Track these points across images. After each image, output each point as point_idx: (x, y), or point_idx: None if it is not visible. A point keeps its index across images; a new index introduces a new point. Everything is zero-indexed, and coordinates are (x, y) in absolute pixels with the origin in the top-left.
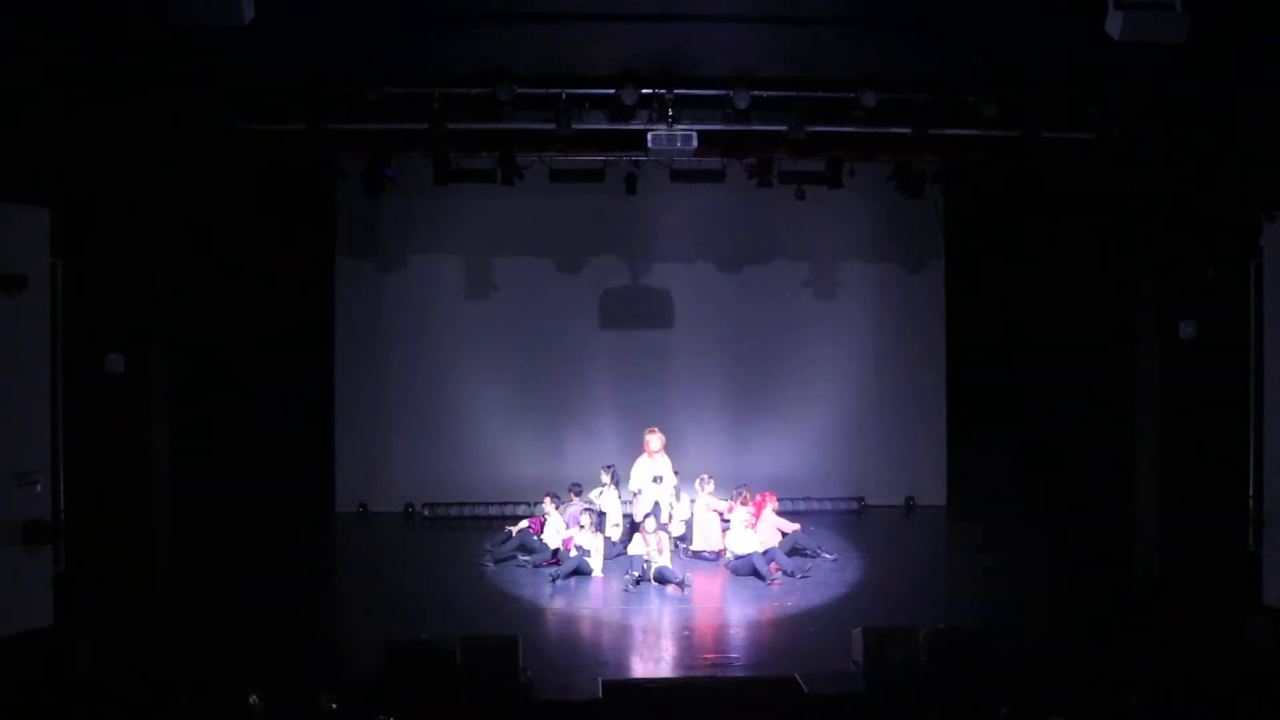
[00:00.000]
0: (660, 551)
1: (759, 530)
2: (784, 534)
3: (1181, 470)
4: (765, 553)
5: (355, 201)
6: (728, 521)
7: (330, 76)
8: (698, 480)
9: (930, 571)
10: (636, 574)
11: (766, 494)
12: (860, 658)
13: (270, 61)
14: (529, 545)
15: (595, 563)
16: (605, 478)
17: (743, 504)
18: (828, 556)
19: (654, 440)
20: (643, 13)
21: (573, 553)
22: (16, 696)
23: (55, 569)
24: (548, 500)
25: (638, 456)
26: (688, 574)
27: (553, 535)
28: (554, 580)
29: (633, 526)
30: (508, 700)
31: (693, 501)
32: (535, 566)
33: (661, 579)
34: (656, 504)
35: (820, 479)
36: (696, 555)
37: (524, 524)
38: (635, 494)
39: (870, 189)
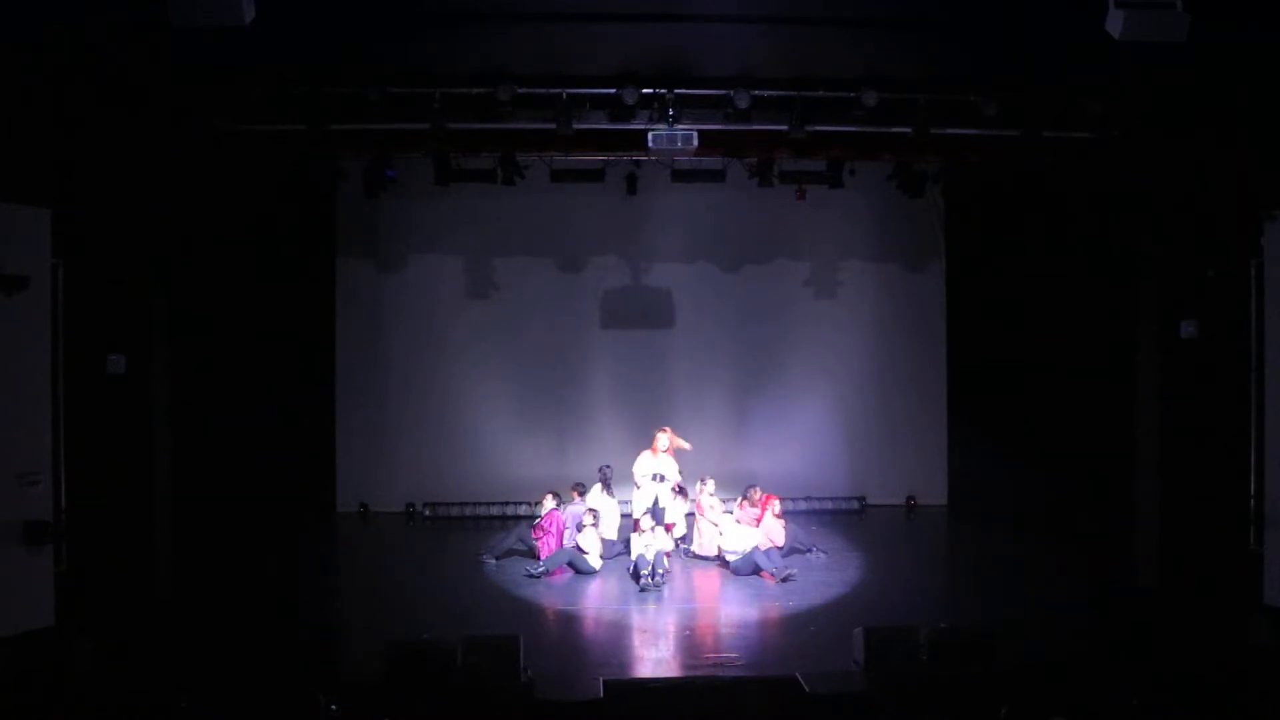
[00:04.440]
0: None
1: (760, 529)
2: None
3: (1182, 470)
4: (766, 552)
5: (355, 201)
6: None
7: (330, 77)
8: (698, 482)
9: (930, 571)
10: (662, 570)
11: (770, 495)
12: (861, 657)
13: (270, 61)
14: (527, 541)
15: (593, 561)
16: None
17: (750, 505)
18: (821, 553)
19: (662, 439)
20: (643, 13)
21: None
22: (16, 696)
23: (55, 569)
24: (549, 498)
25: (641, 453)
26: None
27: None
28: (534, 576)
29: (634, 525)
30: (508, 700)
31: (694, 501)
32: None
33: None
34: (657, 501)
35: (821, 478)
36: (697, 556)
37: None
38: (636, 488)
39: (871, 189)
